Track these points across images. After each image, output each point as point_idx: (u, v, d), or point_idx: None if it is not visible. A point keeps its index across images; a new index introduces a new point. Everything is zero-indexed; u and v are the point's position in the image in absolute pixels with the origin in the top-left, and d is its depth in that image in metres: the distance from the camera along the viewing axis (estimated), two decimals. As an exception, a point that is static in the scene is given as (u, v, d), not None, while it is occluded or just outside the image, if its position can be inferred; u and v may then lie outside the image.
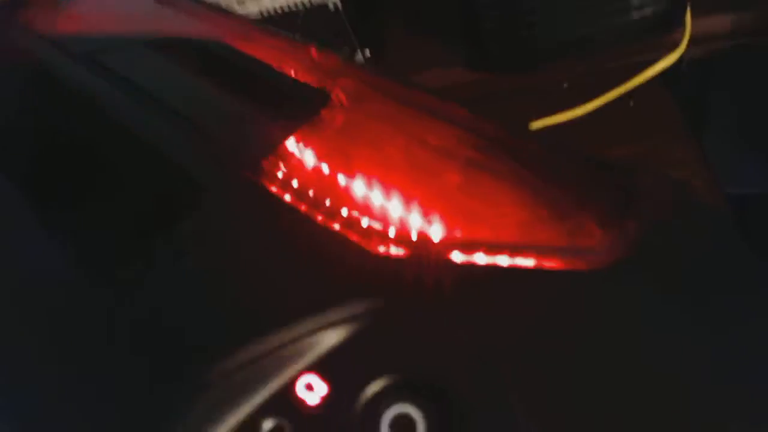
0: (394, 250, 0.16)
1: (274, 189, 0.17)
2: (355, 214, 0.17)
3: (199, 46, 0.24)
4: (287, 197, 0.17)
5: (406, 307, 0.14)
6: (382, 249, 0.16)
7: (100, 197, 0.18)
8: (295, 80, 0.22)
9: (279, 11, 0.52)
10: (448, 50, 0.61)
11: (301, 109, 0.20)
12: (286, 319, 0.14)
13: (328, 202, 0.17)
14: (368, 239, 0.16)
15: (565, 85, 0.60)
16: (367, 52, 0.57)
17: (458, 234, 0.16)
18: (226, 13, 0.32)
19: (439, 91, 0.61)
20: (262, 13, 0.52)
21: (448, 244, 0.16)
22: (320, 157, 0.19)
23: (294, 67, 0.26)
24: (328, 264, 0.15)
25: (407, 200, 0.18)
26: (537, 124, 0.55)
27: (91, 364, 0.15)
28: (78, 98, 0.20)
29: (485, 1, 0.53)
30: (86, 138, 0.20)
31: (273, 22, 0.53)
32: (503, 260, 0.15)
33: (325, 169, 0.19)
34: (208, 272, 0.15)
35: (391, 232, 0.16)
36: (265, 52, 0.27)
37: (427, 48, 0.61)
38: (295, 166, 0.18)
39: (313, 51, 0.28)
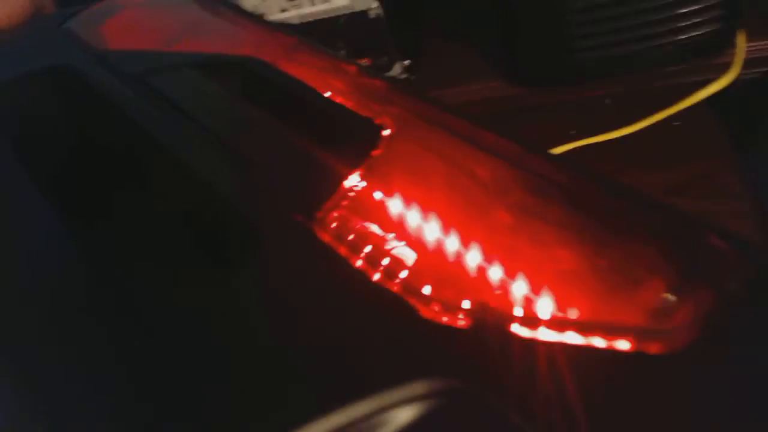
0: (454, 319, 0.15)
1: (327, 238, 0.16)
2: (408, 274, 0.16)
3: (247, 70, 0.24)
4: (341, 248, 0.16)
5: (478, 383, 0.13)
6: (443, 317, 0.15)
7: (148, 231, 0.18)
8: (344, 110, 0.22)
9: (320, 17, 0.52)
10: (486, 63, 0.59)
11: (353, 146, 0.19)
12: (355, 395, 0.13)
13: (385, 261, 0.16)
14: (426, 304, 0.15)
15: (608, 102, 0.58)
16: (406, 62, 0.57)
17: (519, 296, 0.16)
18: (270, 25, 0.32)
19: (476, 103, 0.60)
20: (302, 19, 0.52)
21: (511, 316, 0.15)
22: (373, 208, 0.18)
23: (341, 90, 0.26)
24: (390, 332, 0.15)
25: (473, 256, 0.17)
26: (576, 144, 0.53)
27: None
28: (129, 124, 0.20)
29: (528, 16, 0.52)
30: (135, 166, 0.20)
31: (313, 28, 0.52)
32: (571, 336, 0.14)
33: (380, 221, 0.18)
34: (262, 332, 0.15)
35: (448, 297, 0.15)
36: (311, 74, 0.27)
37: (466, 60, 0.60)
38: (348, 216, 0.18)
39: (359, 73, 0.27)
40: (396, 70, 0.57)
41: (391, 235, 0.17)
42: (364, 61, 0.56)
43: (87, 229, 0.19)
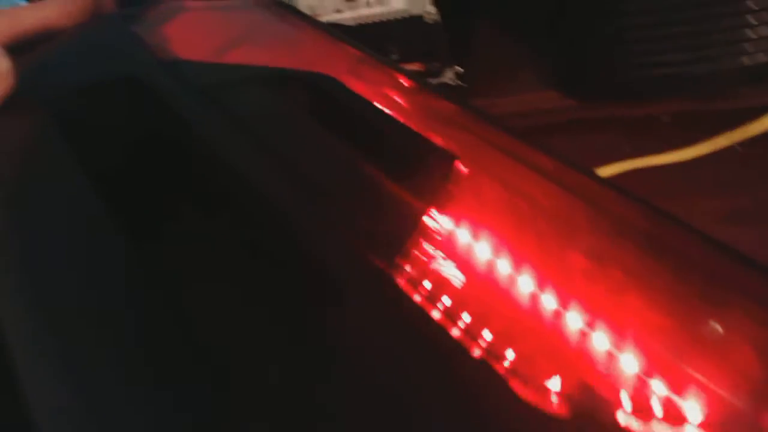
0: (547, 402, 0.14)
1: (405, 284, 0.15)
2: (492, 337, 0.15)
3: (316, 87, 0.23)
4: (419, 296, 0.15)
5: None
6: (532, 398, 0.14)
7: (210, 256, 0.17)
8: (417, 136, 0.21)
9: (375, 20, 0.51)
10: (540, 74, 0.58)
11: (427, 178, 0.19)
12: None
13: (467, 317, 0.15)
14: (512, 375, 0.14)
15: (666, 119, 0.56)
16: (458, 69, 0.55)
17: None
18: (333, 33, 0.31)
19: (528, 114, 0.59)
20: (356, 21, 0.51)
21: (616, 403, 0.14)
22: (451, 250, 0.17)
23: (407, 111, 0.25)
24: (471, 405, 0.14)
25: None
26: (630, 165, 0.52)
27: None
28: (197, 141, 0.19)
29: (588, 29, 0.51)
30: (202, 186, 0.19)
31: (366, 30, 0.51)
32: None
33: (457, 264, 0.17)
34: (340, 384, 0.14)
35: (538, 370, 0.14)
36: (377, 92, 0.26)
37: (519, 70, 0.59)
38: (427, 259, 0.17)
39: (426, 93, 0.26)
40: (447, 76, 0.56)
41: (466, 280, 0.17)
42: (416, 66, 0.55)
43: (147, 249, 0.18)
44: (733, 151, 0.51)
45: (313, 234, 0.16)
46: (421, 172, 0.19)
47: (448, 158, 0.20)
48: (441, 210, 0.18)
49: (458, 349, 0.14)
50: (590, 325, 0.16)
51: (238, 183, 0.18)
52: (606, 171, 0.53)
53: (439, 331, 0.14)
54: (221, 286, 0.16)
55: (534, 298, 0.16)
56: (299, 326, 0.15)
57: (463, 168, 0.20)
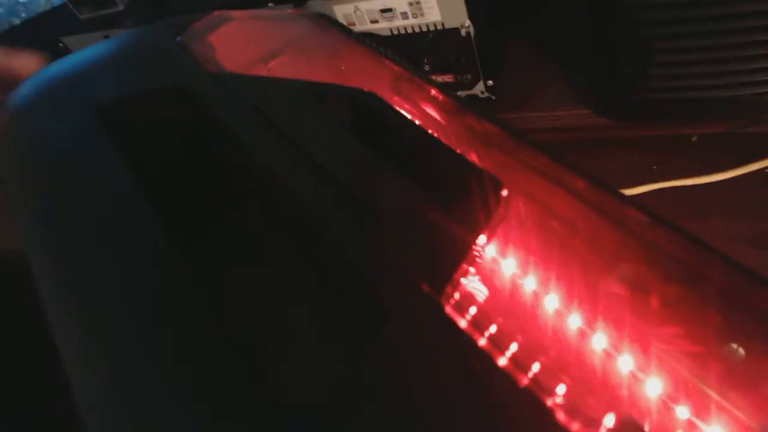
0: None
1: (453, 312, 0.16)
2: (539, 368, 0.15)
3: (361, 104, 0.23)
4: (467, 325, 0.16)
5: None
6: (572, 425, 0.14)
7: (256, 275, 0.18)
8: (461, 160, 0.21)
9: (409, 30, 0.51)
10: (570, 90, 0.58)
11: (474, 204, 0.19)
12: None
13: (514, 347, 0.16)
14: (560, 408, 0.14)
15: (694, 139, 0.56)
16: (489, 83, 0.56)
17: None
18: (375, 48, 0.31)
19: (556, 130, 0.59)
20: (392, 32, 0.51)
21: None
22: (497, 278, 0.18)
23: (447, 129, 0.25)
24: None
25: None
26: (659, 185, 0.51)
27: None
28: (248, 157, 0.19)
29: (621, 47, 0.50)
30: (251, 201, 0.19)
31: (401, 41, 0.52)
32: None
33: (503, 293, 0.17)
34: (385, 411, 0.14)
35: (587, 405, 0.15)
36: (418, 110, 0.26)
37: (549, 85, 0.59)
38: (474, 287, 0.17)
39: (467, 114, 0.27)
40: (478, 88, 0.56)
41: (510, 311, 0.17)
42: (448, 77, 0.55)
43: (196, 261, 0.19)
44: (761, 175, 0.51)
45: (358, 251, 0.17)
46: (468, 197, 0.19)
47: (494, 184, 0.20)
48: (489, 236, 0.18)
49: (501, 377, 0.14)
50: (618, 349, 0.16)
51: (283, 197, 0.18)
52: (635, 190, 0.52)
53: (483, 355, 0.14)
54: (270, 301, 0.17)
55: (580, 334, 0.17)
56: (345, 347, 0.15)
57: (508, 195, 0.20)
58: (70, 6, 0.62)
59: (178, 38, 0.28)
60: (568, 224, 0.22)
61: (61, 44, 0.60)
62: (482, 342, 0.15)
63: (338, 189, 0.18)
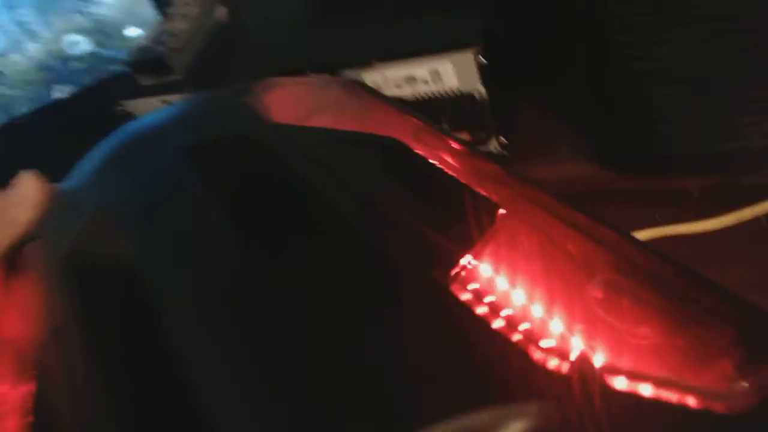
0: (557, 365, 0.19)
1: (457, 292, 0.21)
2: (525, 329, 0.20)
3: (388, 148, 0.29)
4: (466, 297, 0.21)
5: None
6: (548, 363, 0.19)
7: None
8: (469, 189, 0.27)
9: (430, 96, 0.58)
10: (578, 146, 0.63)
11: (475, 222, 0.24)
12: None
13: (504, 313, 0.21)
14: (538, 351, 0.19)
15: (695, 195, 0.60)
16: (502, 139, 0.62)
17: (607, 357, 0.19)
18: (397, 107, 0.38)
19: (563, 181, 0.64)
20: (415, 96, 0.58)
21: (606, 370, 0.19)
22: (494, 268, 0.23)
23: (460, 171, 0.31)
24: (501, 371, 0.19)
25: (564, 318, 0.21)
26: (660, 232, 0.56)
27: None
28: (302, 187, 0.25)
29: (625, 103, 0.55)
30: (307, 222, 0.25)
31: (423, 104, 0.59)
32: (646, 389, 0.18)
33: (497, 281, 0.23)
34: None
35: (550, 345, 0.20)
36: (435, 155, 0.32)
37: (556, 139, 0.64)
38: (474, 276, 0.22)
39: (477, 157, 0.32)
40: (492, 145, 0.62)
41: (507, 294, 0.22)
42: (464, 135, 0.62)
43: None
44: (758, 224, 0.55)
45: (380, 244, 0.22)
46: (469, 216, 0.25)
47: (491, 206, 0.26)
48: (481, 251, 0.24)
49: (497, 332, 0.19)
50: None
51: (338, 223, 0.24)
52: (638, 236, 0.56)
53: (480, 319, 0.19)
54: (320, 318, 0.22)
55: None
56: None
57: (502, 213, 0.25)
58: (132, 74, 0.70)
59: (242, 98, 0.35)
60: (554, 244, 0.27)
61: (121, 107, 0.69)
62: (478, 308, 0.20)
63: (370, 208, 0.24)
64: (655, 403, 0.18)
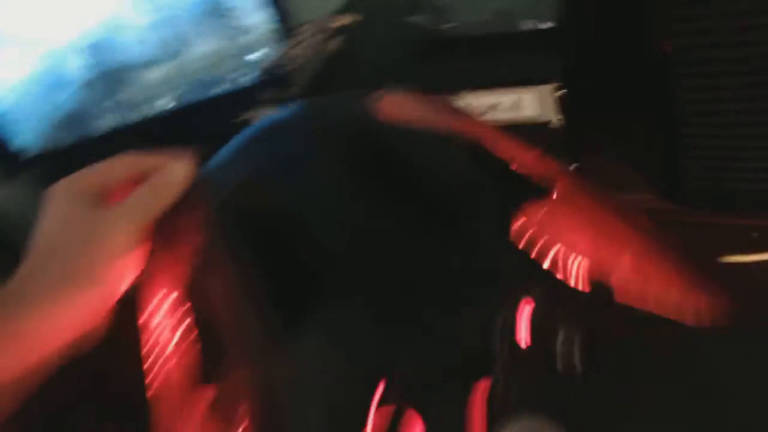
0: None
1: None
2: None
3: (473, 146, 0.39)
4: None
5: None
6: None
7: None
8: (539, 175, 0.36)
9: (509, 123, 0.66)
10: (641, 176, 0.68)
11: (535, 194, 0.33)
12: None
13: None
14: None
15: (755, 235, 0.61)
16: (575, 165, 0.68)
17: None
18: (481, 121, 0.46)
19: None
20: (496, 124, 0.66)
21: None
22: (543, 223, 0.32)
23: (530, 164, 0.39)
24: None
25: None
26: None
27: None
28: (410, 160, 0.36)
29: (691, 138, 0.59)
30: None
31: (503, 129, 0.66)
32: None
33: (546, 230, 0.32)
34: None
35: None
36: (512, 153, 0.40)
37: (621, 171, 0.69)
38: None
39: (543, 156, 0.40)
40: (563, 172, 0.69)
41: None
42: (537, 160, 0.69)
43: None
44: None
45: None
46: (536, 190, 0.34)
47: (548, 186, 0.34)
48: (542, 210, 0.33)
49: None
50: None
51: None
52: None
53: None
54: None
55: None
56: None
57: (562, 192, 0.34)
58: (255, 88, 0.82)
59: (358, 100, 0.45)
60: (599, 220, 0.34)
61: (242, 118, 0.81)
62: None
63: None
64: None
